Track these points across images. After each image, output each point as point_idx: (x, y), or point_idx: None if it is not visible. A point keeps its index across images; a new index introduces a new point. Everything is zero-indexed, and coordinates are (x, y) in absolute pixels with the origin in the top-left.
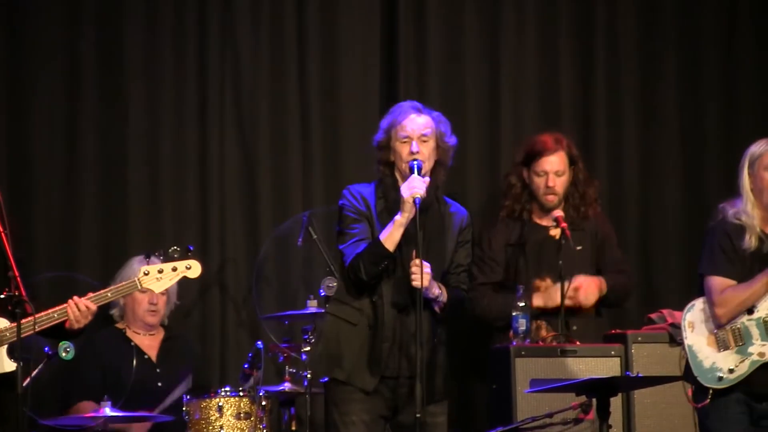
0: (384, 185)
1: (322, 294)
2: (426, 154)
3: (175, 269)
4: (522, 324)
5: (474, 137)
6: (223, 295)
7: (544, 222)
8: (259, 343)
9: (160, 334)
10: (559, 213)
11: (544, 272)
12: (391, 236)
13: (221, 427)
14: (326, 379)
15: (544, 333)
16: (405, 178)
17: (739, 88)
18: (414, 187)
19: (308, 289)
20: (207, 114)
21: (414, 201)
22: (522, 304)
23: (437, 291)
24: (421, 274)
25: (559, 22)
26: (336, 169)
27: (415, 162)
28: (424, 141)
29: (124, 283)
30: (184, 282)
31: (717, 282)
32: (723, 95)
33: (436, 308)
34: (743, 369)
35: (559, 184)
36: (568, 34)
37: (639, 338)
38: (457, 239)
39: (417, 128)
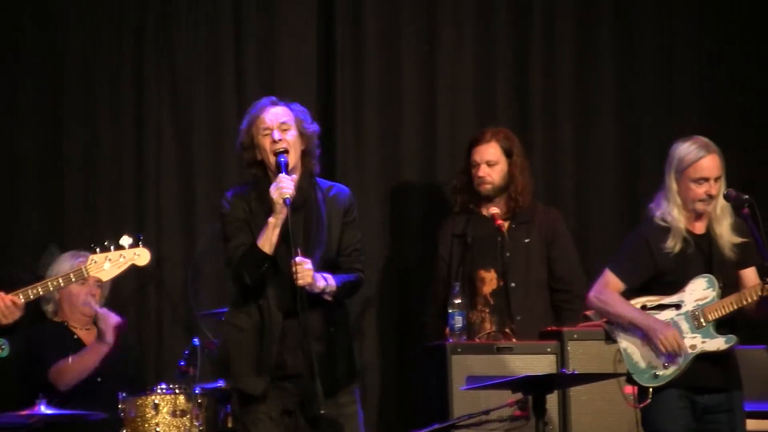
0: (258, 186)
1: None
2: (290, 141)
3: (123, 257)
4: (458, 321)
5: (410, 137)
6: (159, 292)
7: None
8: (195, 340)
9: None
10: (494, 210)
11: (489, 264)
12: (267, 239)
13: (157, 424)
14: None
15: (488, 326)
16: (275, 174)
17: (676, 81)
18: (282, 188)
19: None
20: (143, 110)
21: (284, 201)
22: (458, 300)
23: (322, 284)
24: (296, 272)
25: (497, 20)
26: None
27: (282, 158)
28: (285, 129)
29: (70, 272)
30: (119, 279)
31: (610, 277)
32: (660, 90)
33: (327, 298)
34: (678, 363)
35: (494, 174)
36: (505, 25)
37: (575, 335)
38: (343, 220)
39: (275, 117)
